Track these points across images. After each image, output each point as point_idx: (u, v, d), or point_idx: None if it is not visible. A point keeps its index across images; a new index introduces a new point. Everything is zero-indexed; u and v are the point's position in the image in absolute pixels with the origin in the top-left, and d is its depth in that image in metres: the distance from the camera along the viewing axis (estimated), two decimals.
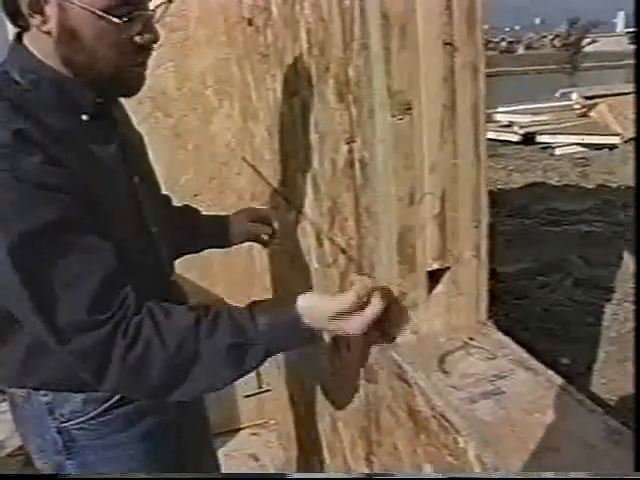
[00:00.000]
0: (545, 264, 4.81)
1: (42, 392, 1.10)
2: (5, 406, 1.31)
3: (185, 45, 2.21)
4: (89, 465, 1.15)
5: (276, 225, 1.45)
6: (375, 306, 0.93)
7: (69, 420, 1.12)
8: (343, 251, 1.30)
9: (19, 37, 1.01)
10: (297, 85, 1.42)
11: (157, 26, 1.00)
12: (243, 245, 1.52)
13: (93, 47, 0.96)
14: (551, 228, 5.65)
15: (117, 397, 1.11)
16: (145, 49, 1.00)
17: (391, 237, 1.08)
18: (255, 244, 1.55)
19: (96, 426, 1.13)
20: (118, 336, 0.92)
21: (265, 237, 1.48)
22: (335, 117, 1.19)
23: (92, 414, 1.12)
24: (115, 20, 0.93)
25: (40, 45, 0.98)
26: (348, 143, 1.15)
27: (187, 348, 0.94)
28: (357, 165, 1.13)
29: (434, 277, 1.14)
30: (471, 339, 1.15)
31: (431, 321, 1.16)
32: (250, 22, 1.81)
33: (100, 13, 0.92)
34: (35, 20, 0.94)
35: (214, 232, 1.45)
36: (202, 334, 0.95)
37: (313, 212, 1.46)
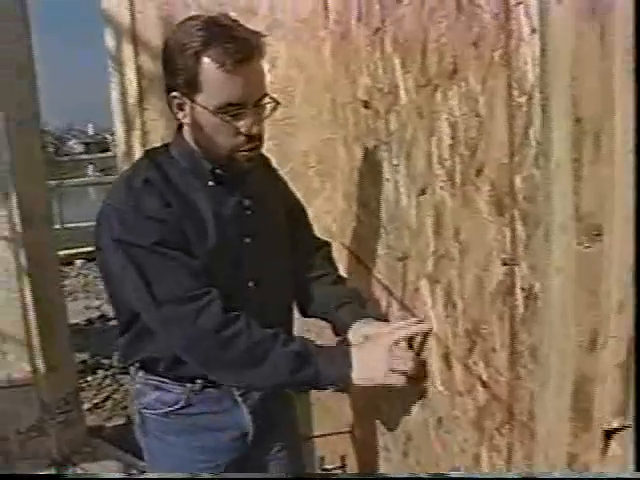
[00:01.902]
0: None
1: (137, 381, 1.44)
2: None
3: (288, 123, 2.10)
4: (150, 448, 1.48)
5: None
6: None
7: (145, 408, 1.44)
8: (484, 384, 1.08)
9: (180, 127, 1.37)
10: (430, 183, 1.24)
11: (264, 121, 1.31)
12: None
13: (210, 135, 1.27)
14: None
15: (178, 406, 1.39)
16: (253, 138, 1.27)
17: (564, 387, 0.86)
18: None
19: (159, 422, 1.42)
20: (213, 314, 1.24)
21: None
22: (488, 230, 1.00)
23: (158, 412, 1.41)
24: (224, 117, 1.23)
25: (186, 132, 1.34)
26: (507, 264, 0.95)
27: (266, 344, 1.26)
28: (520, 293, 0.93)
29: (609, 435, 0.92)
30: None
31: None
32: (366, 104, 1.67)
33: (212, 111, 1.23)
34: (180, 115, 1.30)
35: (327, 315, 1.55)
36: (279, 341, 1.26)
37: (442, 328, 1.25)
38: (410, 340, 1.36)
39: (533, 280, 0.88)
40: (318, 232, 2.17)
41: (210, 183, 1.34)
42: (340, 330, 1.49)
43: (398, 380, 1.28)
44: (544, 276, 0.85)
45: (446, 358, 1.25)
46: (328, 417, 2.34)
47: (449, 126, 1.12)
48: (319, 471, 2.43)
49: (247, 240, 1.38)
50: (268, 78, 2.09)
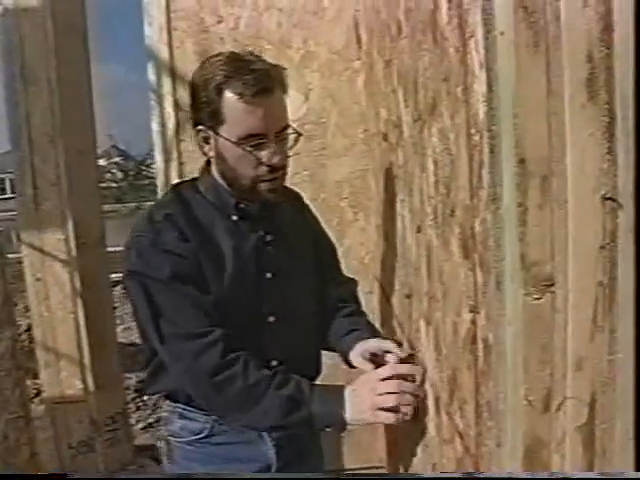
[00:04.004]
0: None
1: (164, 409, 1.47)
2: None
3: (322, 154, 2.10)
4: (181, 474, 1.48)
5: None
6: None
7: (171, 436, 1.45)
8: (460, 435, 1.02)
9: (208, 161, 1.38)
10: (421, 221, 1.20)
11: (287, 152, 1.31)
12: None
13: (233, 166, 1.29)
14: None
15: (202, 435, 1.39)
16: (275, 168, 1.27)
17: (516, 449, 0.80)
18: None
19: (184, 450, 1.43)
20: (211, 356, 1.24)
21: None
22: (459, 274, 0.95)
23: (183, 440, 1.42)
24: (245, 147, 1.24)
25: (213, 166, 1.36)
26: (472, 312, 0.90)
27: (260, 388, 1.24)
28: (480, 344, 0.87)
29: None
30: None
31: None
32: (385, 137, 1.64)
33: (235, 142, 1.24)
34: (205, 148, 1.32)
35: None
36: (272, 384, 1.24)
37: (433, 372, 1.20)
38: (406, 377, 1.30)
39: (488, 331, 0.82)
40: (352, 263, 2.16)
41: (234, 218, 1.35)
42: (345, 355, 1.45)
43: (387, 418, 1.21)
44: (497, 328, 0.79)
45: (436, 403, 1.19)
46: (359, 451, 2.28)
47: (433, 163, 1.08)
48: None
49: (268, 275, 1.38)
50: (302, 109, 2.13)
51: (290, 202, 1.51)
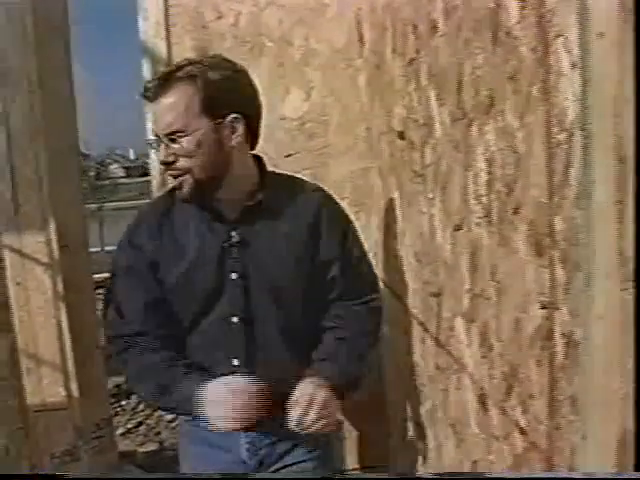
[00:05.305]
0: None
1: None
2: None
3: (323, 152, 2.08)
4: (179, 450, 1.57)
5: None
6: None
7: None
8: (522, 431, 1.03)
9: None
10: (465, 219, 1.20)
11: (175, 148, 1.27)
12: None
13: None
14: None
15: (189, 417, 1.39)
16: (167, 167, 1.29)
17: (608, 443, 0.81)
18: None
19: (184, 427, 1.50)
20: (119, 342, 1.37)
21: None
22: (526, 271, 0.96)
23: (182, 418, 1.50)
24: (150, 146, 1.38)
25: None
26: (545, 308, 0.91)
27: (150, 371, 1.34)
28: (559, 339, 0.88)
29: None
30: None
31: None
32: (402, 135, 1.64)
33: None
34: None
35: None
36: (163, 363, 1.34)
37: (478, 369, 1.21)
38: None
39: (574, 326, 0.84)
40: None
41: (208, 217, 1.35)
42: None
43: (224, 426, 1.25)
44: (586, 323, 0.80)
45: (482, 400, 1.20)
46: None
47: (485, 161, 1.08)
48: None
49: (233, 276, 1.34)
50: (304, 107, 2.11)
51: (300, 204, 1.39)
